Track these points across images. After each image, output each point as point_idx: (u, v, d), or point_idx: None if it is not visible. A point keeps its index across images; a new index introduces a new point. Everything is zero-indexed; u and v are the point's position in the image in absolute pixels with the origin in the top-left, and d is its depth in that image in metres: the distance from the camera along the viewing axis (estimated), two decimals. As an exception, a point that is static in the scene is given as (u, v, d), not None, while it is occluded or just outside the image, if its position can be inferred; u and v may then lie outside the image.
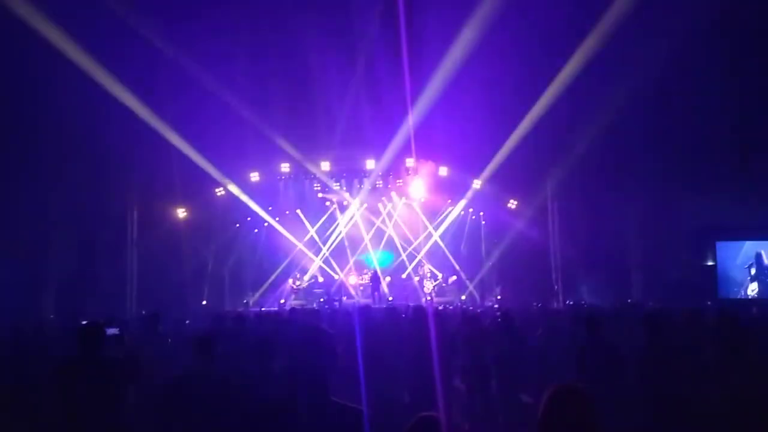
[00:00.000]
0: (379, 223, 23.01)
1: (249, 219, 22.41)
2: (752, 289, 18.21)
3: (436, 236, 22.88)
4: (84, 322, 4.65)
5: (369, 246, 22.73)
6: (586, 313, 9.08)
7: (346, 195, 22.75)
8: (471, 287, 21.78)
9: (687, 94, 14.76)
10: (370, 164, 21.35)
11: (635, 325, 7.19)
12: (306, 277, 22.52)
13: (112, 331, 4.49)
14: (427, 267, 22.53)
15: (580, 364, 5.94)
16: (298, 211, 23.06)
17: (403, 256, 22.88)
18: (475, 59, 13.85)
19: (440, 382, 7.37)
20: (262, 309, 18.51)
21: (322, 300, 20.59)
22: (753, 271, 18.28)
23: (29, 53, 12.21)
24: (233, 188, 20.78)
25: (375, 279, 21.13)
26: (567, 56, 14.19)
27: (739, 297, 18.03)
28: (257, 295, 21.84)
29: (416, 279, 22.26)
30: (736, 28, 12.66)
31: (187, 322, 10.93)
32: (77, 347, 4.14)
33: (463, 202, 22.26)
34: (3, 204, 15.15)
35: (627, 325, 10.36)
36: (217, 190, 20.96)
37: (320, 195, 23.07)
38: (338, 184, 22.48)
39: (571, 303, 16.53)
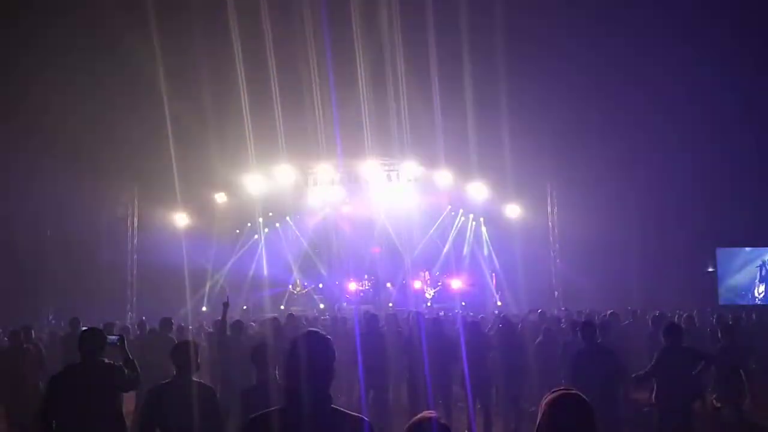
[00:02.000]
0: (380, 228, 22.97)
1: (249, 225, 22.40)
2: (760, 291, 18.14)
3: (436, 242, 22.84)
4: (84, 328, 4.64)
5: (370, 251, 22.70)
6: (584, 319, 9.08)
7: (346, 200, 22.72)
8: (472, 294, 21.72)
9: (687, 98, 14.79)
10: (371, 170, 21.33)
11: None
12: (305, 283, 22.49)
13: (112, 338, 4.47)
14: (427, 273, 22.50)
15: (577, 369, 5.94)
16: (298, 216, 23.03)
17: (406, 262, 22.83)
18: (477, 60, 13.89)
19: (440, 388, 7.37)
20: (262, 315, 18.48)
21: (322, 306, 20.56)
22: (763, 272, 18.23)
23: (29, 59, 12.26)
24: (233, 194, 20.77)
25: (376, 285, 21.10)
26: (567, 60, 14.22)
27: (746, 302, 17.95)
28: (257, 301, 21.77)
29: (417, 285, 22.21)
30: (739, 37, 12.72)
31: (191, 327, 10.94)
32: (78, 353, 4.14)
33: (463, 208, 22.23)
34: (2, 208, 15.17)
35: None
36: (216, 195, 20.96)
37: (320, 200, 23.04)
38: (338, 189, 22.45)
39: (566, 308, 16.48)
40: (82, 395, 3.96)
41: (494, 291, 21.42)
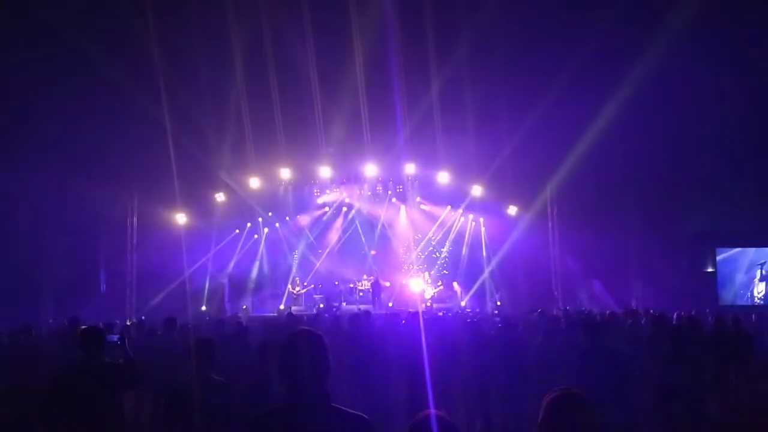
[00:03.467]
0: (379, 228, 22.99)
1: (249, 225, 22.41)
2: (759, 290, 18.10)
3: (434, 242, 22.89)
4: (83, 327, 4.64)
5: (368, 251, 22.70)
6: (585, 319, 9.08)
7: (346, 201, 22.75)
8: (471, 293, 21.74)
9: (686, 99, 14.78)
10: (369, 170, 21.37)
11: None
12: (305, 283, 22.50)
13: (112, 337, 4.48)
14: (427, 273, 22.53)
15: (579, 369, 5.94)
16: (298, 216, 23.05)
17: (406, 262, 22.89)
18: (474, 62, 13.90)
19: (440, 388, 7.36)
20: (262, 315, 18.48)
21: (321, 306, 20.56)
22: (763, 271, 18.19)
23: (32, 48, 12.26)
24: (233, 194, 20.77)
25: (375, 285, 21.11)
26: (567, 61, 14.21)
27: (744, 301, 17.95)
28: (257, 300, 21.78)
29: (417, 285, 22.24)
30: (735, 36, 12.71)
31: (190, 326, 10.91)
32: (78, 352, 4.13)
33: (462, 208, 22.25)
34: (2, 208, 15.16)
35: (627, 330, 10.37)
36: (216, 195, 20.96)
37: (320, 201, 23.07)
38: (338, 189, 22.48)
39: (567, 308, 16.49)
40: (83, 394, 3.95)
41: (494, 291, 21.43)
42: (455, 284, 22.04)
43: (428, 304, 20.78)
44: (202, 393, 3.92)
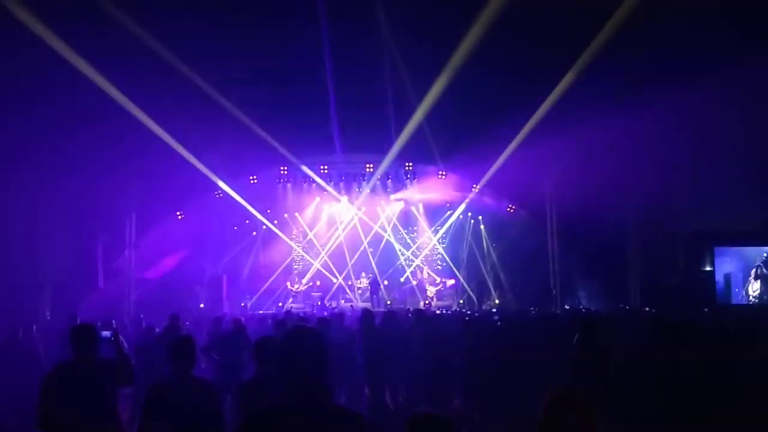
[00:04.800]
0: (378, 227, 23.01)
1: (247, 222, 22.42)
2: (754, 289, 18.07)
3: (434, 240, 22.90)
4: (76, 324, 4.63)
5: (367, 249, 22.69)
6: (582, 318, 9.07)
7: (345, 198, 22.77)
8: (469, 291, 21.77)
9: (685, 96, 14.76)
10: (369, 168, 21.40)
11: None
12: (304, 281, 22.53)
13: (106, 334, 4.46)
14: (426, 271, 22.55)
15: (574, 369, 5.93)
16: (297, 214, 23.07)
17: (401, 260, 22.91)
18: (474, 62, 13.87)
19: (438, 386, 7.35)
20: (260, 312, 18.49)
21: (319, 303, 20.63)
22: (759, 270, 18.15)
23: (25, 51, 12.21)
24: (231, 191, 20.76)
25: (374, 283, 21.14)
26: (566, 61, 14.20)
27: (739, 300, 17.95)
28: (255, 298, 21.80)
29: (415, 283, 22.30)
30: (733, 31, 12.69)
31: (187, 323, 10.94)
32: (70, 349, 4.11)
33: (462, 206, 22.28)
34: (0, 206, 15.13)
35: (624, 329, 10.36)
36: (215, 193, 20.95)
37: (318, 199, 23.09)
38: (337, 187, 22.51)
39: (568, 308, 16.51)
40: (77, 391, 3.93)
41: (492, 290, 21.46)
42: (454, 282, 22.07)
43: (428, 302, 20.82)
44: (179, 392, 3.89)
